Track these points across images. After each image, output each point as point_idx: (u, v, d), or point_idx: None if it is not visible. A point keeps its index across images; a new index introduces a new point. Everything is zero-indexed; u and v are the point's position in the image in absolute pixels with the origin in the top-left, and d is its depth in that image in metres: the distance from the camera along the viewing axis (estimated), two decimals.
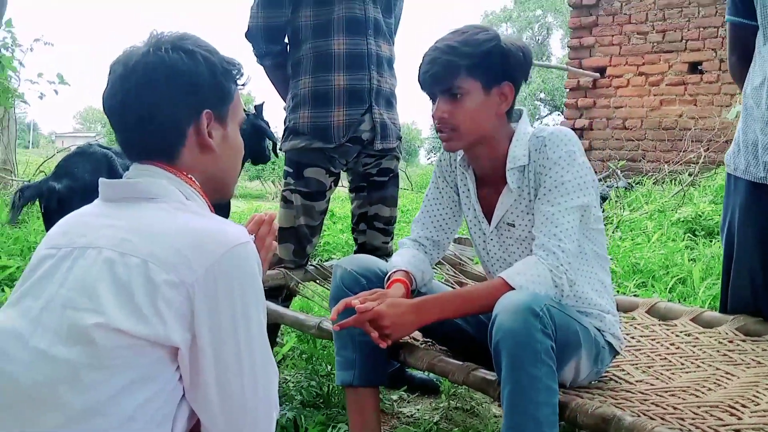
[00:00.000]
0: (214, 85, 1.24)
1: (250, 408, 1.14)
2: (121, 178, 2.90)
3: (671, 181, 6.92)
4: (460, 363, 1.85)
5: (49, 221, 2.95)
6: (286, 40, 2.66)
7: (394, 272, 1.88)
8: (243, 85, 1.33)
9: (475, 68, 1.73)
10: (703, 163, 6.81)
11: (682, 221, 5.11)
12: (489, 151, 1.83)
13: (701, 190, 6.11)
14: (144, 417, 1.06)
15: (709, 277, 3.86)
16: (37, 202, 3.00)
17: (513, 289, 1.66)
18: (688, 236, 4.95)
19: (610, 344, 1.85)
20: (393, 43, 2.74)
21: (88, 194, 2.78)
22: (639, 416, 1.61)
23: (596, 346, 1.78)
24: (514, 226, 1.86)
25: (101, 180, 1.25)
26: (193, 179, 1.25)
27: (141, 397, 1.06)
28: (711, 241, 4.76)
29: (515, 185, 1.81)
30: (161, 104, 1.19)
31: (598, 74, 8.28)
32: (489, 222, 1.92)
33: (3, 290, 3.45)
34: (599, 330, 1.82)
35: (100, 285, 1.07)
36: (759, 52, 2.24)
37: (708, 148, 6.95)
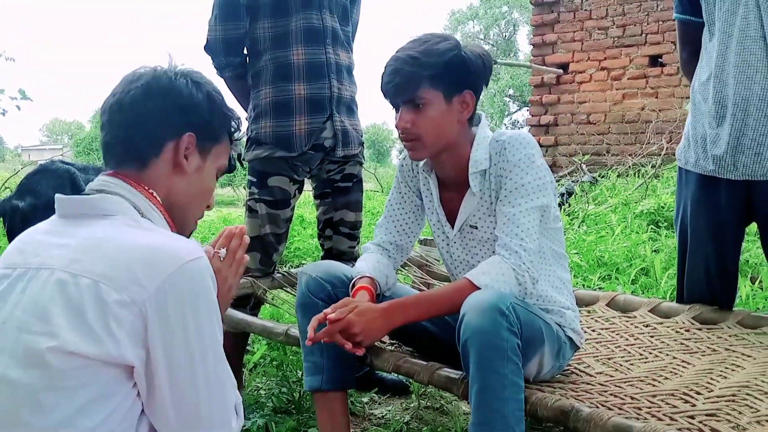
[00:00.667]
0: (206, 118, 1.31)
1: (205, 419, 1.16)
2: (84, 193, 2.91)
3: (635, 173, 7.04)
4: (425, 363, 1.89)
5: (13, 239, 2.94)
6: (245, 52, 2.69)
7: (359, 278, 1.92)
8: (236, 140, 1.39)
9: (437, 79, 1.77)
10: (665, 154, 6.93)
11: (645, 213, 5.21)
12: (452, 157, 1.88)
13: (664, 181, 6.22)
14: None
15: (671, 267, 3.94)
16: (0, 221, 2.99)
17: (478, 288, 1.71)
18: (651, 228, 5.05)
19: (570, 339, 1.91)
20: (351, 51, 2.78)
21: (51, 211, 2.79)
22: (597, 407, 1.66)
23: (558, 342, 1.83)
24: (476, 228, 1.90)
25: (57, 196, 1.26)
26: (155, 195, 1.27)
27: (100, 416, 1.08)
28: (673, 232, 4.84)
29: (477, 188, 1.86)
30: (152, 112, 1.25)
31: (561, 70, 8.39)
32: (452, 225, 1.96)
33: None
34: (560, 326, 1.88)
35: (53, 307, 1.09)
36: (705, 48, 2.32)
37: (670, 140, 7.07)
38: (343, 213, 2.77)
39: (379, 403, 2.74)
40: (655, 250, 4.35)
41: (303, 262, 4.95)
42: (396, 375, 2.81)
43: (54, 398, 1.07)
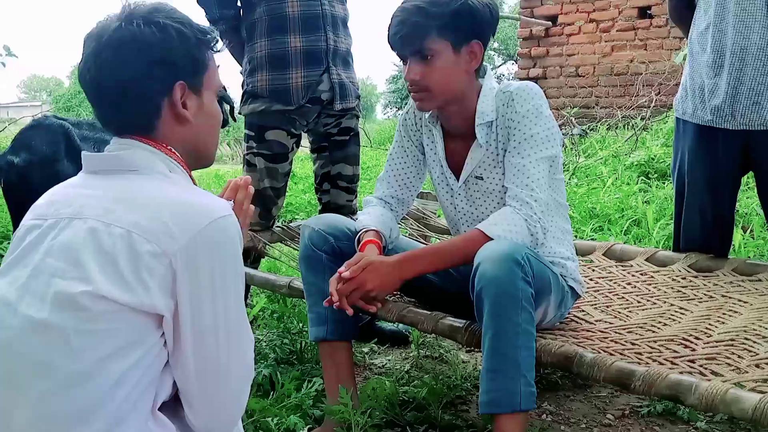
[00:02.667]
0: (187, 57, 1.25)
1: (224, 371, 1.18)
2: (79, 149, 2.89)
3: (624, 126, 7.06)
4: (428, 312, 1.92)
5: (10, 196, 2.92)
6: (239, 4, 2.65)
7: (365, 232, 1.93)
8: (218, 50, 1.33)
9: (445, 28, 1.76)
10: (654, 106, 6.95)
11: (636, 165, 5.24)
12: (459, 108, 1.88)
13: (653, 133, 6.25)
14: (130, 382, 1.10)
15: (663, 218, 3.99)
16: None
17: (490, 239, 1.72)
18: (642, 179, 5.09)
19: (572, 289, 1.94)
20: (345, 1, 2.74)
21: (48, 166, 2.79)
22: (599, 353, 1.70)
23: (561, 292, 1.86)
24: (482, 179, 1.91)
25: (84, 153, 1.26)
26: (174, 151, 1.27)
27: (127, 363, 1.10)
28: (664, 183, 4.90)
29: (484, 140, 1.86)
30: (134, 79, 1.20)
31: (549, 23, 8.33)
32: (457, 177, 1.97)
33: None
34: (562, 276, 1.90)
35: (85, 254, 1.10)
36: None
37: (659, 92, 7.08)
38: (340, 167, 2.76)
39: (379, 353, 2.78)
40: (646, 202, 4.39)
41: (296, 217, 4.96)
42: (396, 325, 2.85)
43: (85, 341, 1.08)
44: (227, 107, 4.28)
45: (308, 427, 2.00)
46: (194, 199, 1.18)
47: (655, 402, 2.22)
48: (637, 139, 6.19)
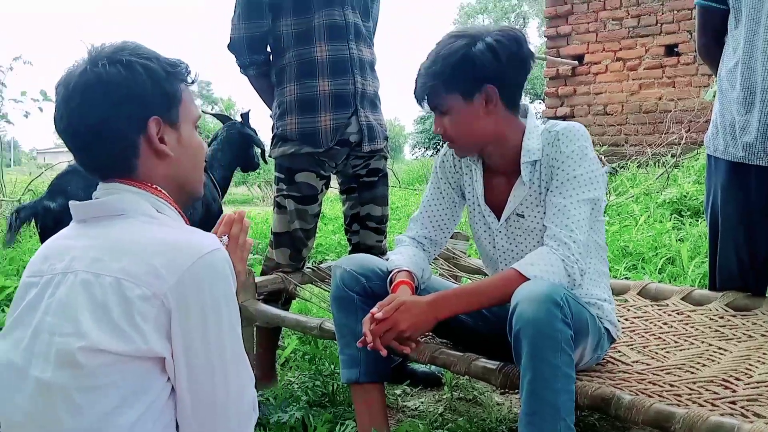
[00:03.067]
0: (157, 92, 1.22)
1: (221, 410, 1.16)
2: None
3: (655, 163, 7.00)
4: (461, 354, 1.90)
5: (46, 240, 2.96)
6: (269, 49, 2.70)
7: (397, 272, 1.93)
8: (192, 82, 1.31)
9: (450, 83, 1.78)
10: (684, 144, 6.89)
11: (668, 203, 5.18)
12: (500, 149, 1.89)
13: (684, 170, 6.19)
14: (143, 430, 1.10)
15: (698, 256, 3.93)
16: (33, 222, 3.02)
17: (526, 279, 1.70)
18: (675, 217, 5.02)
19: (608, 331, 1.91)
20: (372, 45, 2.78)
21: None
22: (637, 395, 1.66)
23: (598, 334, 1.84)
24: (523, 217, 1.90)
25: (71, 203, 1.26)
26: (159, 189, 1.26)
27: (136, 412, 1.09)
28: (697, 221, 4.83)
29: (528, 178, 1.86)
30: (104, 120, 1.19)
31: (576, 62, 8.36)
32: (497, 216, 1.96)
33: (3, 310, 3.47)
34: (599, 318, 1.88)
35: (79, 308, 1.11)
36: (731, 35, 2.31)
37: (689, 129, 7.04)
38: (369, 207, 2.78)
39: (412, 395, 2.75)
40: (680, 240, 4.33)
41: (326, 258, 4.97)
42: (428, 367, 2.82)
43: (88, 398, 1.08)
44: (258, 150, 4.36)
45: None
46: (181, 237, 1.17)
47: None
48: (668, 177, 6.13)
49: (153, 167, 1.25)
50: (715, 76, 2.44)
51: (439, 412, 2.54)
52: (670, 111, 7.42)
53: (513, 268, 1.75)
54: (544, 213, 1.86)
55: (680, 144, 6.95)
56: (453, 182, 2.07)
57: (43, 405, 1.09)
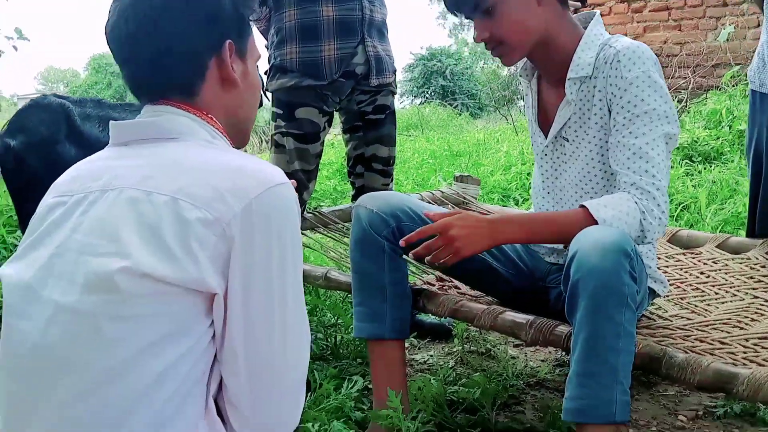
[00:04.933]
0: (235, 15, 1.11)
1: (278, 367, 0.99)
2: (80, 130, 2.69)
3: None
4: (485, 306, 1.72)
5: (9, 180, 2.70)
6: None
7: None
8: (255, 18, 1.17)
9: None
10: (692, 89, 6.67)
11: (678, 148, 4.99)
12: (550, 52, 1.65)
13: (692, 116, 5.97)
14: (176, 377, 0.93)
15: (715, 202, 3.76)
16: None
17: (595, 222, 1.48)
18: (686, 163, 4.85)
19: (651, 289, 1.72)
20: None
21: (47, 149, 2.56)
22: (688, 353, 1.49)
23: (644, 292, 1.65)
24: (567, 141, 1.69)
25: (112, 123, 1.09)
26: (215, 120, 1.10)
27: (173, 354, 0.93)
28: (710, 167, 4.66)
29: (573, 96, 1.64)
30: (181, 33, 1.05)
31: (579, 3, 8.04)
32: (546, 135, 1.76)
33: None
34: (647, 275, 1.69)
35: (123, 226, 0.94)
36: None
37: (694, 73, 6.81)
38: (375, 148, 2.55)
39: (420, 348, 2.58)
40: (694, 186, 4.15)
41: (321, 204, 4.76)
42: (438, 318, 2.64)
43: (121, 330, 0.91)
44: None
45: None
46: (248, 163, 1.01)
47: (732, 402, 2.01)
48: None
49: (215, 96, 1.11)
50: (760, 7, 2.22)
51: (450, 366, 2.37)
52: (676, 55, 7.16)
53: (583, 205, 1.52)
54: (589, 142, 1.65)
55: (687, 89, 6.72)
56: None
57: (61, 334, 0.92)
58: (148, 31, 1.05)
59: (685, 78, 6.81)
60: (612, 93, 1.58)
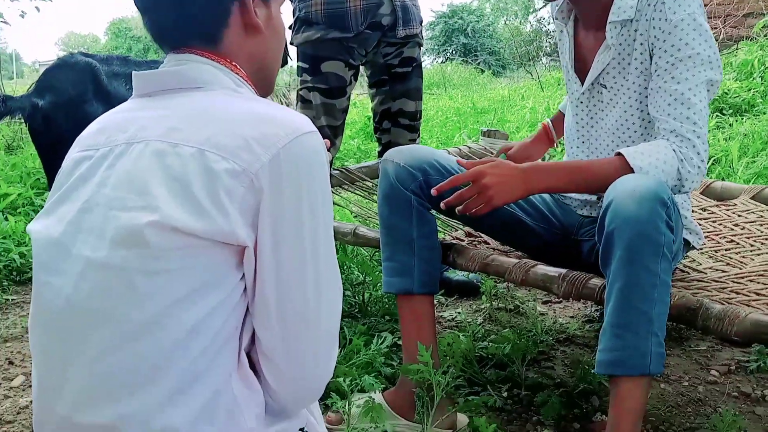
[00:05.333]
0: None
1: (313, 318, 0.96)
2: (107, 88, 2.67)
3: None
4: (516, 260, 1.69)
5: (37, 140, 2.71)
6: None
7: None
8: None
9: None
10: (722, 39, 6.50)
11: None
12: None
13: (724, 67, 5.82)
14: (209, 330, 0.91)
15: (745, 155, 3.68)
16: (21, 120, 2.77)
17: (631, 170, 1.44)
18: (717, 115, 4.74)
19: (686, 240, 1.68)
20: None
21: (74, 108, 2.56)
22: (725, 305, 1.45)
23: (680, 243, 1.61)
24: (606, 87, 1.64)
25: (135, 73, 1.06)
26: (239, 67, 1.07)
27: (205, 307, 0.91)
28: (742, 119, 4.55)
29: (614, 40, 1.58)
30: None
31: None
32: (582, 82, 1.70)
33: (6, 218, 3.29)
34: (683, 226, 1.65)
35: (151, 180, 0.91)
36: None
37: (726, 23, 6.63)
38: (402, 102, 2.51)
39: (447, 305, 2.57)
40: (725, 139, 4.06)
41: (345, 164, 4.73)
42: (466, 275, 2.63)
43: (152, 284, 0.89)
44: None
45: (382, 387, 1.80)
46: (275, 111, 0.97)
47: (766, 356, 1.98)
48: None
49: (239, 43, 1.07)
50: None
51: (478, 322, 2.36)
52: (707, 4, 6.98)
53: (620, 152, 1.48)
54: (629, 88, 1.60)
55: (718, 39, 6.54)
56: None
57: (92, 290, 0.91)
58: None
59: (716, 28, 6.63)
60: (655, 36, 1.52)
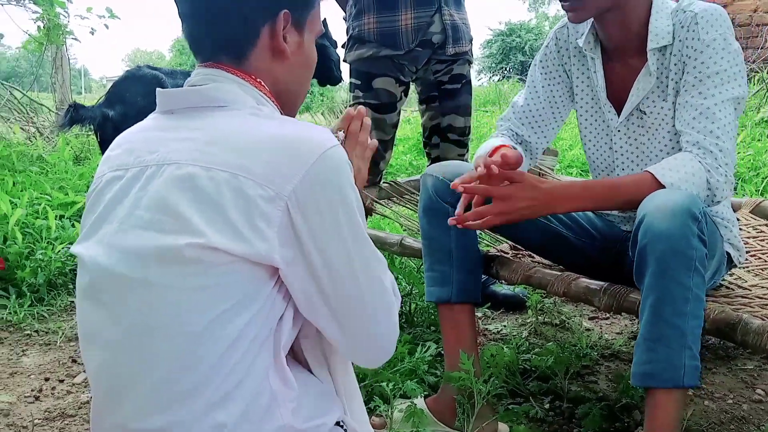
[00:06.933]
0: None
1: (370, 307, 1.05)
2: None
3: (750, 80, 6.51)
4: (559, 273, 1.72)
5: (107, 148, 2.86)
6: None
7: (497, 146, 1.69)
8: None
9: None
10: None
11: (767, 121, 4.79)
12: (622, 18, 1.60)
13: None
14: (247, 339, 0.98)
15: None
16: (93, 132, 2.92)
17: (662, 187, 1.46)
18: None
19: (728, 255, 1.69)
20: None
21: (143, 118, 2.69)
22: (765, 320, 1.46)
23: (721, 257, 1.62)
24: (645, 113, 1.66)
25: (159, 90, 1.13)
26: (263, 84, 1.13)
27: (244, 319, 0.98)
28: None
29: (656, 67, 1.61)
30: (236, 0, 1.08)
31: None
32: (617, 111, 1.73)
33: (73, 225, 3.45)
34: (725, 239, 1.66)
35: (185, 203, 0.97)
36: None
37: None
38: (451, 118, 2.57)
39: (493, 319, 2.60)
40: None
41: (397, 179, 4.80)
42: (513, 289, 2.66)
43: (194, 300, 0.96)
44: (334, 60, 4.17)
45: (424, 393, 1.84)
46: (298, 131, 1.02)
47: None
48: (766, 93, 5.67)
49: (264, 64, 1.12)
50: None
51: (523, 336, 2.39)
52: (766, 24, 6.85)
53: (648, 171, 1.50)
54: (669, 110, 1.62)
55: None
56: (557, 77, 1.82)
57: (138, 305, 0.98)
58: None
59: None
60: (687, 55, 1.55)
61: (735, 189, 3.66)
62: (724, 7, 7.05)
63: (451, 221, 1.55)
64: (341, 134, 1.28)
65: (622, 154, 1.74)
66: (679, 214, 1.32)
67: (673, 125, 1.63)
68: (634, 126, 1.70)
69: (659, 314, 1.35)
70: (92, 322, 1.04)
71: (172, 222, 0.97)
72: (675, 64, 1.58)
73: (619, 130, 1.73)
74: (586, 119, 1.80)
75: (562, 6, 1.61)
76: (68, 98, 7.04)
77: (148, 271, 0.97)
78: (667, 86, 1.61)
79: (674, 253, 1.32)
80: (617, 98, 1.71)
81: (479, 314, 2.57)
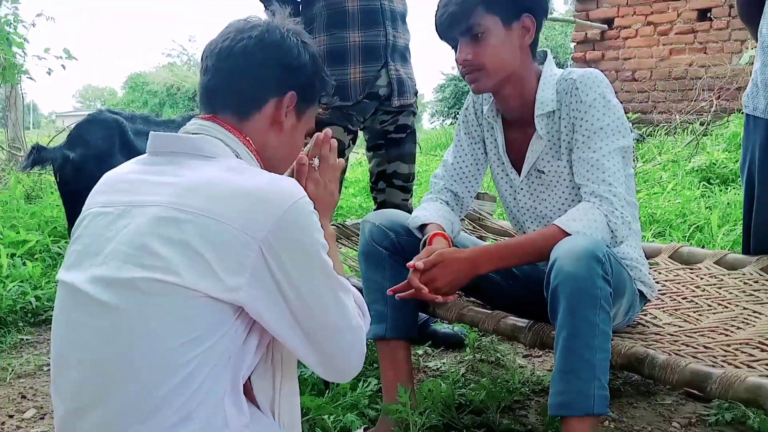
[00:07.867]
0: (310, 80, 1.31)
1: (339, 333, 1.20)
2: (132, 143, 2.90)
3: (683, 131, 6.86)
4: (489, 311, 1.87)
5: (64, 189, 2.95)
6: None
7: (428, 225, 1.87)
8: (326, 104, 1.43)
9: (492, 3, 1.71)
10: (714, 111, 6.74)
11: (697, 170, 5.08)
12: (518, 90, 1.81)
13: (714, 138, 6.06)
14: (207, 366, 1.09)
15: (726, 223, 3.85)
16: (52, 173, 3.01)
17: (568, 235, 1.64)
18: (703, 185, 4.94)
19: (640, 292, 1.86)
20: None
21: (102, 161, 2.81)
22: (671, 355, 1.62)
23: (632, 295, 1.79)
24: (543, 173, 1.84)
25: (152, 133, 1.25)
26: (251, 142, 1.27)
27: (204, 348, 1.09)
28: (727, 189, 4.74)
29: (544, 131, 1.80)
30: (260, 64, 1.25)
31: (605, 26, 8.18)
32: (518, 172, 1.90)
33: (24, 264, 3.48)
34: (633, 278, 1.83)
35: (162, 242, 1.09)
36: None
37: (719, 96, 6.87)
38: (396, 165, 2.72)
39: (433, 356, 2.72)
40: (708, 207, 4.25)
41: (346, 220, 4.93)
42: (452, 328, 2.79)
43: (163, 329, 1.07)
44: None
45: (364, 426, 1.96)
46: (270, 182, 1.17)
47: (724, 411, 2.12)
48: (697, 144, 6.01)
49: (261, 129, 1.29)
50: (753, 35, 2.35)
51: (461, 372, 2.51)
52: (701, 78, 7.25)
53: (554, 224, 1.69)
54: (565, 167, 1.80)
55: (710, 111, 6.79)
56: (476, 137, 2.01)
57: (112, 332, 1.09)
58: (238, 51, 1.24)
59: (708, 101, 6.89)
60: (574, 117, 1.75)
61: (663, 235, 3.89)
62: (661, 61, 7.48)
63: (390, 291, 1.75)
64: (316, 161, 1.42)
65: (528, 209, 1.92)
66: (584, 257, 1.49)
67: (571, 180, 1.81)
68: (535, 184, 1.88)
69: (571, 348, 1.50)
70: (68, 343, 1.14)
71: (149, 257, 1.08)
72: (565, 126, 1.77)
73: (521, 188, 1.91)
74: (497, 175, 1.99)
75: (466, 79, 1.80)
76: (20, 136, 7.04)
77: (123, 300, 1.08)
78: (560, 147, 1.79)
79: (581, 292, 1.48)
80: (518, 159, 1.89)
81: (420, 352, 2.69)
